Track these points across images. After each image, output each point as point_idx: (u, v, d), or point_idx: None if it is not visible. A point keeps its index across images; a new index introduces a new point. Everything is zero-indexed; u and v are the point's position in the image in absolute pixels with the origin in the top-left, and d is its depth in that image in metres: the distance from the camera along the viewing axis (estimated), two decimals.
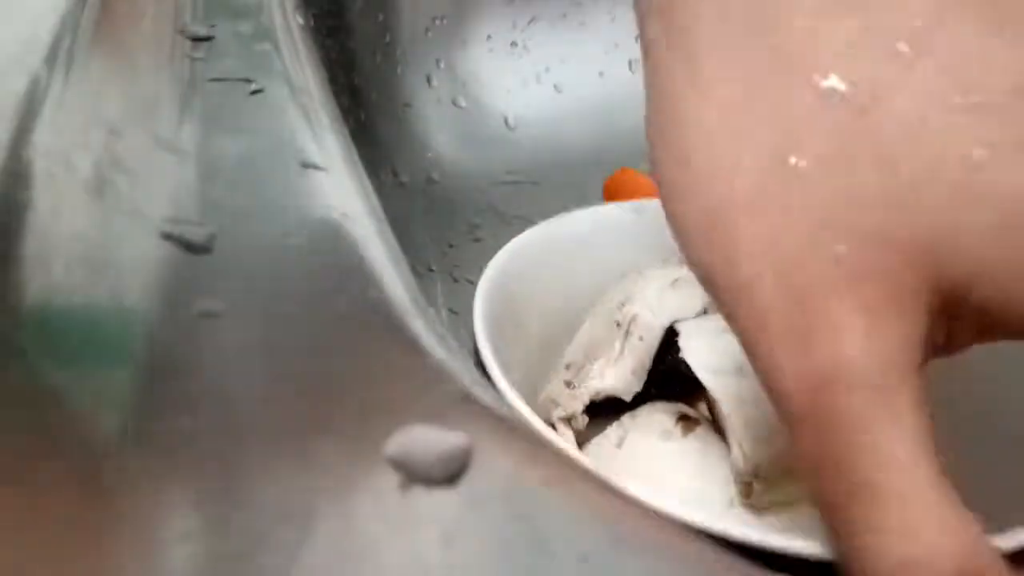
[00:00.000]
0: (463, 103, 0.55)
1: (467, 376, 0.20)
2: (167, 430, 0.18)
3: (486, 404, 0.19)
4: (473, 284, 0.46)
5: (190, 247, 0.23)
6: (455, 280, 0.47)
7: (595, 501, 0.17)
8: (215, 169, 0.26)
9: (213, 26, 0.33)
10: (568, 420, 0.30)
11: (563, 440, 0.25)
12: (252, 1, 0.35)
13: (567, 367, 0.32)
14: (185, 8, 0.34)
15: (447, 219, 0.50)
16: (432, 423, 0.18)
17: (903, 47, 0.18)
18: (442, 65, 0.55)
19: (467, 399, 0.19)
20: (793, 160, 0.18)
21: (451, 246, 0.49)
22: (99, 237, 0.23)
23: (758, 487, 0.27)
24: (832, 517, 0.18)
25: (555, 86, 0.56)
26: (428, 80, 0.54)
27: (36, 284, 0.21)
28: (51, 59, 0.29)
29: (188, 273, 0.22)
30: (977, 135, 0.18)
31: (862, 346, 0.17)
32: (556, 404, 0.31)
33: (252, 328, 0.21)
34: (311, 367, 0.20)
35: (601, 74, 0.57)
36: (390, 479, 0.17)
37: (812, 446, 0.18)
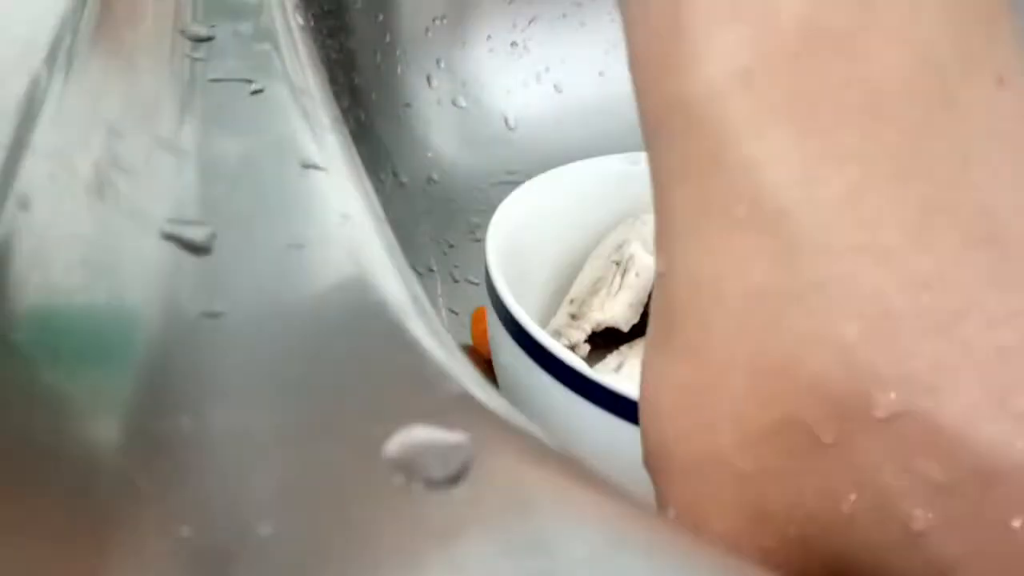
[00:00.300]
0: (463, 103, 0.55)
1: (467, 376, 0.20)
2: (167, 431, 0.18)
3: (486, 404, 0.19)
4: (473, 284, 0.46)
5: (190, 247, 0.23)
6: (455, 280, 0.47)
7: (595, 501, 0.17)
8: (215, 169, 0.26)
9: (213, 26, 0.33)
10: (572, 349, 0.33)
11: (574, 358, 0.27)
12: (252, 1, 0.35)
13: (571, 302, 0.35)
14: (185, 8, 0.34)
15: (447, 219, 0.51)
16: (432, 423, 0.18)
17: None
18: (442, 65, 0.55)
19: (467, 399, 0.19)
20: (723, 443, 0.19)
21: (451, 246, 0.49)
22: (99, 237, 0.23)
23: None
24: None
25: (555, 86, 0.56)
26: (428, 80, 0.54)
27: (36, 285, 0.21)
28: (51, 60, 0.29)
29: (188, 273, 0.22)
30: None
31: None
32: (560, 335, 0.34)
33: (252, 329, 0.21)
34: (311, 368, 0.20)
35: (601, 74, 0.57)
36: (390, 480, 0.17)
37: None
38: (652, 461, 0.21)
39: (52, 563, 0.16)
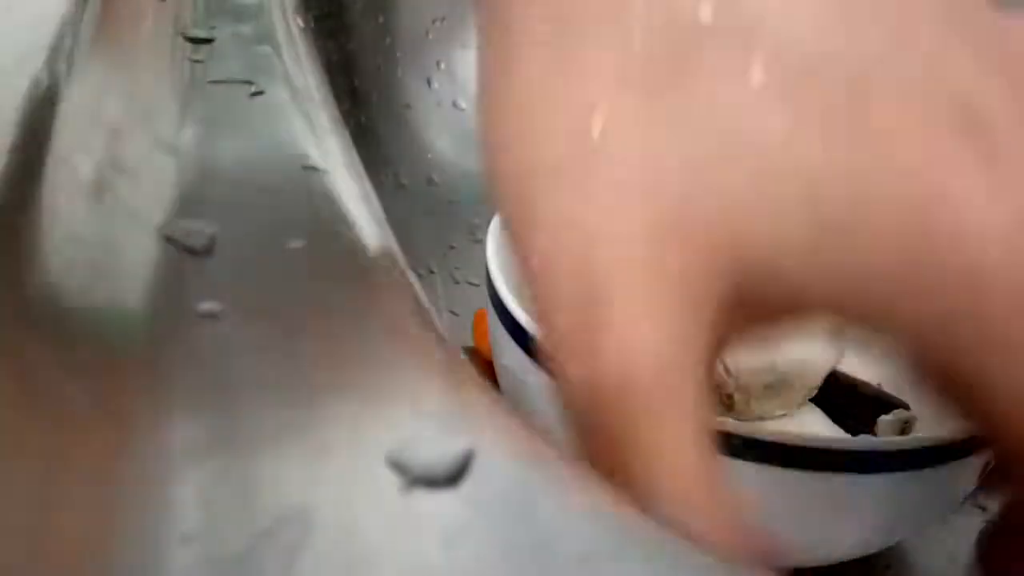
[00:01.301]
0: (463, 105, 0.55)
1: (467, 377, 0.20)
2: (167, 431, 0.18)
3: (486, 405, 0.19)
4: (474, 286, 0.46)
5: (191, 249, 0.23)
6: (456, 281, 0.47)
7: (596, 501, 0.17)
8: (216, 171, 0.26)
9: (213, 28, 0.33)
10: None
11: None
12: (252, 3, 0.35)
13: None
14: (185, 10, 0.34)
15: (447, 220, 0.51)
16: (433, 424, 0.18)
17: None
18: (442, 67, 0.55)
19: (467, 399, 0.19)
20: (595, 132, 0.17)
21: (451, 247, 0.49)
22: (99, 239, 0.23)
23: (739, 399, 0.29)
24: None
25: None
26: (428, 82, 0.54)
27: (36, 286, 0.21)
28: (51, 62, 0.29)
29: (189, 275, 0.22)
30: (780, 108, 0.17)
31: (645, 351, 0.17)
32: None
33: (252, 330, 0.21)
34: (311, 369, 0.20)
35: None
36: (391, 481, 0.17)
37: (593, 445, 0.18)
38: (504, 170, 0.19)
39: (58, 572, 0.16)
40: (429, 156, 0.54)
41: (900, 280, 0.16)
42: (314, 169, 0.26)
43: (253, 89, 0.30)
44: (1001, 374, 0.16)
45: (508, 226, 0.20)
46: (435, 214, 0.51)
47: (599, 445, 0.18)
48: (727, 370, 0.29)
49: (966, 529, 0.36)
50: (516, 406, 0.19)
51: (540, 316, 0.19)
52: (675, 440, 0.17)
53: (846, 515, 0.27)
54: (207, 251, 0.23)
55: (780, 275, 0.17)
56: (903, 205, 0.16)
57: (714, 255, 0.17)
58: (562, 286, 0.18)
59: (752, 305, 0.17)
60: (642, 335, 0.17)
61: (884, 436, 0.30)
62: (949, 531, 0.33)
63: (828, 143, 0.16)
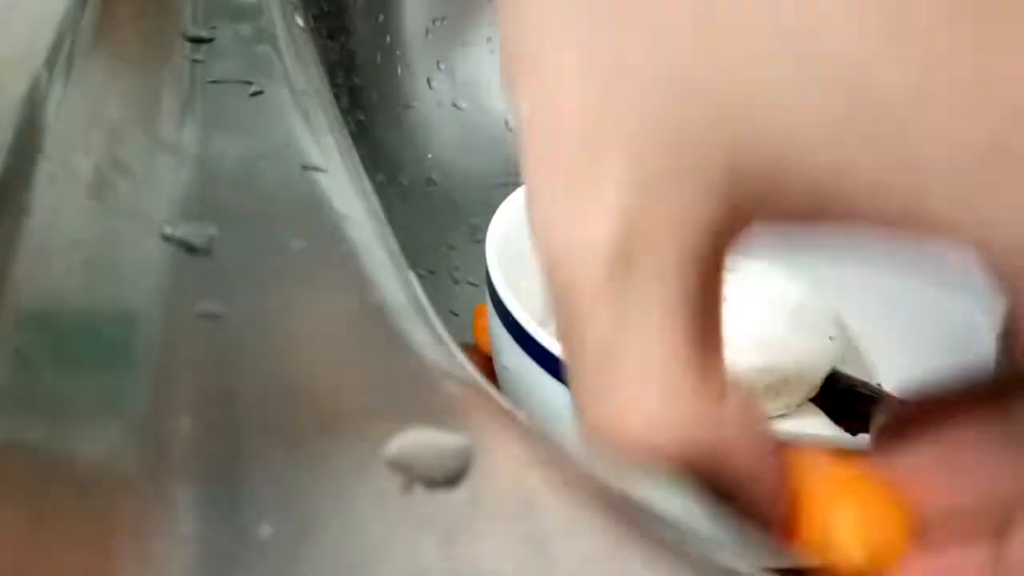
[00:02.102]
0: (463, 105, 0.55)
1: (467, 377, 0.20)
2: (167, 432, 0.18)
3: (486, 404, 0.19)
4: (473, 286, 0.46)
5: (190, 249, 0.23)
6: (455, 282, 0.47)
7: (595, 501, 0.17)
8: (215, 171, 0.26)
9: (213, 28, 0.33)
10: None
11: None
12: (252, 3, 0.35)
13: None
14: (185, 10, 0.34)
15: (447, 221, 0.51)
16: (432, 423, 0.18)
17: None
18: (442, 67, 0.55)
19: (467, 399, 0.19)
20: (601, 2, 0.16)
21: (451, 247, 0.49)
22: (99, 239, 0.23)
23: None
24: (572, 387, 0.17)
25: None
26: (428, 82, 0.54)
27: (36, 286, 0.21)
28: (51, 61, 0.29)
29: (188, 275, 0.22)
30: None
31: (625, 228, 0.16)
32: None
33: (252, 330, 0.21)
34: (311, 369, 0.20)
35: None
36: (391, 481, 0.17)
37: (562, 317, 0.17)
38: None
39: (54, 561, 0.16)
40: (429, 156, 0.54)
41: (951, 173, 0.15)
42: (314, 169, 0.26)
43: (253, 89, 0.30)
44: None
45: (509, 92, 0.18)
46: (435, 214, 0.51)
47: (561, 312, 0.18)
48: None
49: None
50: (516, 406, 0.19)
51: (528, 172, 0.18)
52: (642, 316, 0.17)
53: None
54: (207, 251, 0.23)
55: (810, 166, 0.15)
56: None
57: (715, 145, 0.16)
58: (549, 148, 0.17)
59: (775, 204, 0.16)
60: (631, 211, 0.16)
61: None
62: None
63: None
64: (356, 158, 0.28)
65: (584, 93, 0.17)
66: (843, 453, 0.20)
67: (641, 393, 0.17)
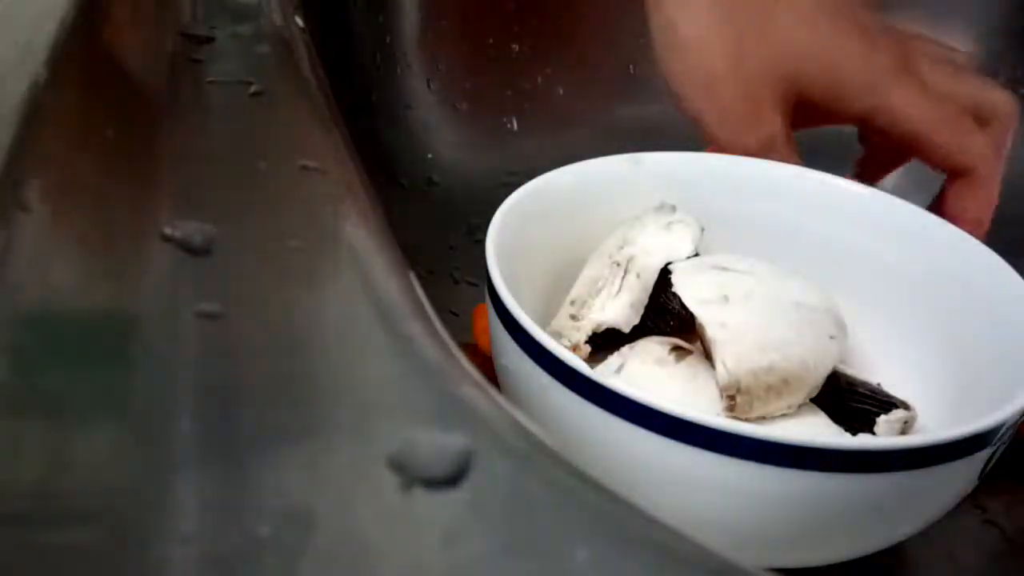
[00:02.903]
0: (463, 105, 0.55)
1: (467, 377, 0.20)
2: (167, 432, 0.18)
3: (486, 405, 0.19)
4: (473, 286, 0.46)
5: (190, 249, 0.23)
6: (455, 282, 0.47)
7: (595, 501, 0.17)
8: (215, 171, 0.26)
9: (213, 28, 0.33)
10: (573, 350, 0.33)
11: (575, 359, 0.27)
12: (252, 3, 0.35)
13: (572, 303, 0.35)
14: (185, 10, 0.34)
15: (447, 221, 0.51)
16: (432, 424, 0.18)
17: None
18: (442, 67, 0.55)
19: (467, 399, 0.19)
20: (731, 26, 0.38)
21: (451, 248, 0.49)
22: (99, 239, 0.23)
23: (741, 401, 0.30)
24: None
25: (556, 87, 0.56)
26: (428, 82, 0.54)
27: (36, 286, 0.21)
28: (51, 61, 0.29)
29: (188, 275, 0.22)
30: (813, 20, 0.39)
31: (768, 131, 0.39)
32: (561, 336, 0.34)
33: (252, 330, 0.21)
34: (311, 369, 0.20)
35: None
36: (391, 480, 0.17)
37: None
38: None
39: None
40: (429, 156, 0.54)
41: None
42: (314, 169, 0.26)
43: (253, 88, 0.30)
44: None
45: (682, 92, 0.40)
46: (435, 214, 0.51)
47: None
48: (729, 373, 0.29)
49: (966, 529, 0.36)
50: (516, 406, 0.19)
51: (710, 119, 0.39)
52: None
53: (846, 515, 0.27)
54: (207, 251, 0.23)
55: (813, 95, 0.39)
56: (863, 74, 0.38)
57: (783, 89, 0.39)
58: (724, 104, 0.39)
59: (797, 111, 0.39)
60: (769, 123, 0.39)
61: (884, 436, 0.30)
62: (950, 532, 0.33)
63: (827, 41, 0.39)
64: (356, 158, 0.28)
65: (735, 81, 0.39)
66: None
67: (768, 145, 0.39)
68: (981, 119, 0.38)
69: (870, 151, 0.43)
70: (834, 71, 0.38)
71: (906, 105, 0.37)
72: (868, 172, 0.43)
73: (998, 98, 0.39)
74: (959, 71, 0.39)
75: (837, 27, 0.38)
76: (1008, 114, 0.39)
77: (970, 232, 0.35)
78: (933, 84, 0.38)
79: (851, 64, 0.38)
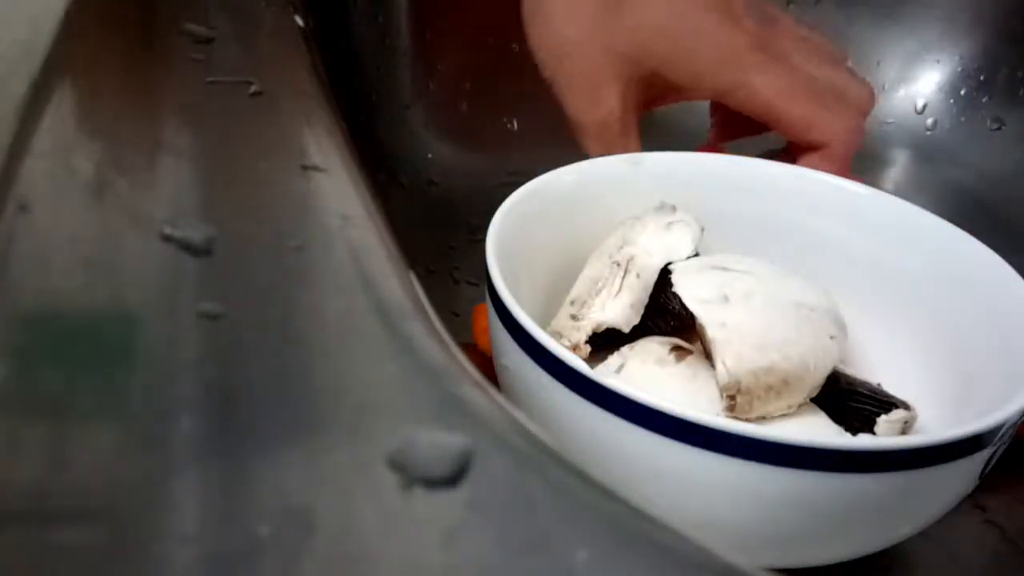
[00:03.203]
0: (463, 105, 0.55)
1: (467, 377, 0.20)
2: (167, 432, 0.18)
3: (486, 404, 0.19)
4: (474, 286, 0.46)
5: (190, 249, 0.23)
6: (455, 282, 0.47)
7: (595, 501, 0.17)
8: (215, 171, 0.26)
9: (214, 28, 0.33)
10: (572, 349, 0.33)
11: (576, 359, 0.27)
12: (253, 3, 0.35)
13: (572, 303, 0.35)
14: (186, 9, 0.34)
15: (447, 221, 0.51)
16: (432, 424, 0.18)
17: None
18: (442, 67, 0.55)
19: (467, 399, 0.19)
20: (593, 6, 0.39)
21: (451, 248, 0.49)
22: (99, 239, 0.23)
23: (741, 400, 0.30)
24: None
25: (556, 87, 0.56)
26: (428, 82, 0.54)
27: (36, 286, 0.21)
28: (51, 61, 0.29)
29: (188, 274, 0.22)
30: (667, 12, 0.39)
31: (603, 110, 0.40)
32: (561, 336, 0.34)
33: (252, 330, 0.21)
34: (311, 369, 0.20)
35: None
36: (391, 480, 0.17)
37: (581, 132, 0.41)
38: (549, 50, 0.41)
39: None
40: (429, 156, 0.54)
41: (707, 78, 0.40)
42: (314, 169, 0.26)
43: (253, 88, 0.30)
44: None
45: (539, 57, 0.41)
46: (434, 214, 0.51)
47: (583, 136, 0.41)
48: (729, 372, 0.29)
49: (966, 529, 0.36)
50: (516, 406, 0.19)
51: (563, 91, 0.41)
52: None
53: (846, 515, 0.27)
54: (207, 251, 0.23)
55: (660, 74, 0.40)
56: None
57: (629, 68, 0.40)
58: (572, 78, 0.40)
59: (651, 88, 0.40)
60: (611, 99, 0.40)
61: (884, 436, 0.30)
62: (949, 531, 0.33)
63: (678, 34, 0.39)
64: (356, 158, 0.28)
65: (583, 53, 0.40)
66: None
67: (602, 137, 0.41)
68: (839, 102, 0.40)
69: (720, 119, 0.44)
70: (688, 48, 0.39)
71: (764, 82, 0.38)
72: (719, 137, 0.44)
73: (855, 84, 0.41)
74: (822, 56, 0.41)
75: (695, 4, 0.39)
76: (863, 99, 0.41)
77: None
78: (794, 64, 0.39)
79: (706, 41, 0.39)
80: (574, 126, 0.41)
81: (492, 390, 0.20)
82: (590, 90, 0.40)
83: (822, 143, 0.39)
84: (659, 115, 0.45)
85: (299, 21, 0.36)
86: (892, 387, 0.33)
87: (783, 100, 0.39)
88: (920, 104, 0.57)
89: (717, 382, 0.30)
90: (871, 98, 0.42)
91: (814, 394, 0.31)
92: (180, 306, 0.21)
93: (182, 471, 0.17)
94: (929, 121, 0.57)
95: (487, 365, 0.32)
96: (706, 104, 0.46)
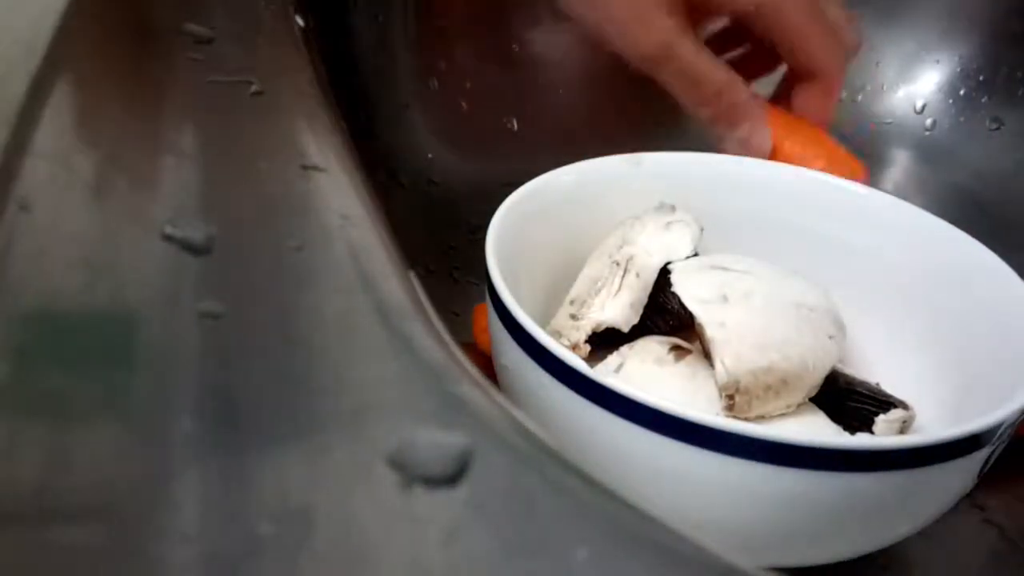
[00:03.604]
0: (463, 105, 0.55)
1: (467, 376, 0.20)
2: (167, 432, 0.18)
3: (486, 404, 0.19)
4: (474, 286, 0.46)
5: (190, 248, 0.23)
6: (455, 281, 0.47)
7: (595, 501, 0.18)
8: (215, 170, 0.26)
9: (214, 27, 0.33)
10: (572, 349, 0.33)
11: (575, 358, 0.27)
12: (253, 3, 0.35)
13: (571, 302, 0.35)
14: (186, 9, 0.34)
15: (447, 220, 0.51)
16: (432, 423, 0.18)
17: None
18: (442, 67, 0.55)
19: (467, 399, 0.19)
20: None
21: (451, 247, 0.49)
22: (99, 239, 0.23)
23: (740, 400, 0.30)
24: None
25: (556, 86, 0.56)
26: (428, 82, 0.54)
27: (36, 286, 0.21)
28: (51, 60, 0.29)
29: (188, 274, 0.22)
30: None
31: (665, 31, 0.40)
32: (560, 335, 0.34)
33: (252, 330, 0.21)
34: (311, 369, 0.20)
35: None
36: (391, 479, 0.17)
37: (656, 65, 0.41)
38: None
39: None
40: (429, 156, 0.54)
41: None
42: (314, 169, 0.26)
43: (253, 88, 0.30)
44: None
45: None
46: (434, 214, 0.51)
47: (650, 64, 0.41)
48: (728, 372, 0.29)
49: (965, 528, 0.36)
50: (516, 406, 0.19)
51: (608, 28, 0.41)
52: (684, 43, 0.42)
53: (845, 514, 0.27)
54: (207, 251, 0.23)
55: None
56: None
57: None
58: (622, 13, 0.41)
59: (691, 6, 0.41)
60: (665, 26, 0.40)
61: (884, 436, 0.30)
62: (949, 531, 0.33)
63: None
64: (356, 157, 0.28)
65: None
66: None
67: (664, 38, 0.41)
68: (840, 35, 0.44)
69: (749, 52, 0.47)
70: None
71: (791, 7, 0.42)
72: (746, 73, 0.46)
73: (849, 27, 0.45)
74: None
75: None
76: (854, 42, 0.45)
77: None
78: None
79: None
80: (640, 64, 0.41)
81: (492, 390, 0.20)
82: (638, 18, 0.41)
83: (823, 72, 0.43)
84: (659, 115, 0.45)
85: (299, 21, 0.36)
86: (891, 387, 0.33)
87: (804, 28, 0.42)
88: (919, 104, 0.57)
89: (716, 382, 0.30)
90: (857, 47, 0.46)
91: (813, 394, 0.31)
92: (180, 306, 0.21)
93: (182, 471, 0.17)
94: (928, 121, 0.57)
95: (487, 365, 0.32)
96: None
